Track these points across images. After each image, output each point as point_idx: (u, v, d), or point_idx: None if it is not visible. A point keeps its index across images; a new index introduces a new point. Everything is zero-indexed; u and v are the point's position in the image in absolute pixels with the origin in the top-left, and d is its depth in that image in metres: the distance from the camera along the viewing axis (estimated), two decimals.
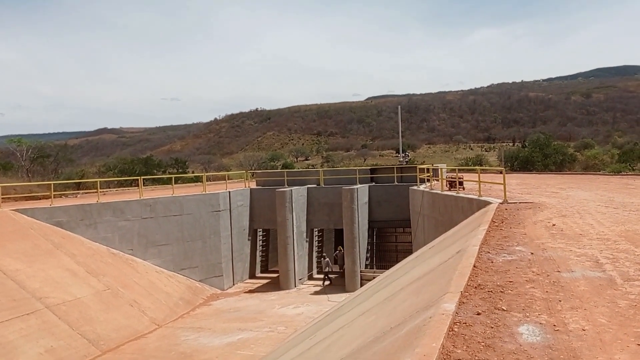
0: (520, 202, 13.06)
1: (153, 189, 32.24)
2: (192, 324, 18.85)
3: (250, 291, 25.09)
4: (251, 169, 53.35)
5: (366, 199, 26.80)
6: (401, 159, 41.02)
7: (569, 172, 36.05)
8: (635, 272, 5.64)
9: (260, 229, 29.46)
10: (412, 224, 24.08)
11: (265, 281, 27.33)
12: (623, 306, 4.49)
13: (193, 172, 68.11)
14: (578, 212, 10.97)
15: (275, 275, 27.67)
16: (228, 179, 31.24)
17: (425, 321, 4.15)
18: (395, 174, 28.27)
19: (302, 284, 26.07)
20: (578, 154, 57.81)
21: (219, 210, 25.52)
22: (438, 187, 20.22)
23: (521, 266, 6.16)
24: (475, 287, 5.19)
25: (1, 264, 16.11)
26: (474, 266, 6.09)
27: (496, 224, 9.66)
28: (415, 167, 27.09)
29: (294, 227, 26.06)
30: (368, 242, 26.94)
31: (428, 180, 22.96)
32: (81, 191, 29.12)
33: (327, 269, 25.91)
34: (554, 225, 9.22)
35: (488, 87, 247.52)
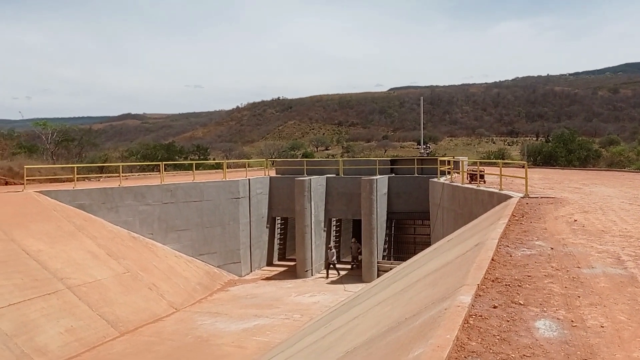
0: (541, 197, 12.86)
1: (174, 174, 32.56)
2: (209, 309, 19.07)
3: (267, 278, 25.27)
4: (271, 158, 53.55)
5: (385, 190, 26.68)
6: (422, 151, 40.74)
7: (593, 168, 35.38)
8: None
9: (279, 217, 29.59)
10: (431, 216, 23.95)
11: (282, 269, 27.49)
12: None
13: (214, 159, 68.79)
14: (601, 208, 10.78)
15: (292, 263, 27.81)
16: (248, 167, 31.38)
17: (440, 313, 4.12)
18: (416, 166, 28.09)
19: (319, 272, 26.15)
20: (603, 150, 56.79)
21: (239, 198, 25.70)
22: (458, 179, 20.03)
23: (540, 261, 6.08)
24: (493, 281, 5.14)
25: (24, 244, 16.48)
26: (492, 259, 6.04)
27: (516, 218, 9.55)
28: (436, 159, 26.87)
29: (312, 216, 26.11)
30: (386, 234, 26.85)
31: (449, 172, 22.77)
32: (104, 175, 29.57)
33: (333, 259, 25.91)
34: (576, 221, 9.08)
35: (513, 80, 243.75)
